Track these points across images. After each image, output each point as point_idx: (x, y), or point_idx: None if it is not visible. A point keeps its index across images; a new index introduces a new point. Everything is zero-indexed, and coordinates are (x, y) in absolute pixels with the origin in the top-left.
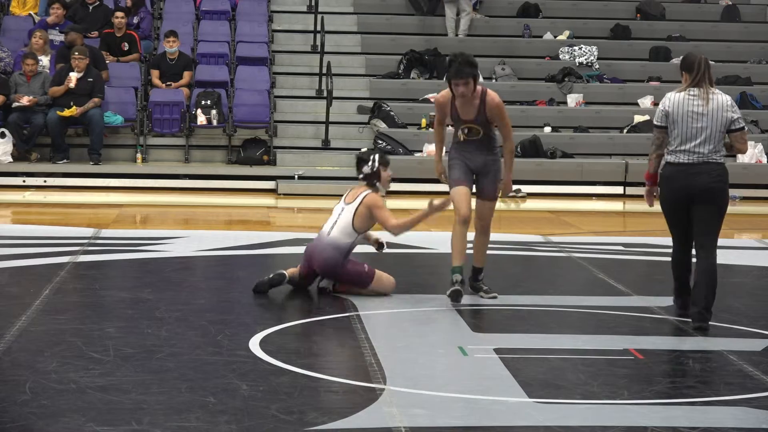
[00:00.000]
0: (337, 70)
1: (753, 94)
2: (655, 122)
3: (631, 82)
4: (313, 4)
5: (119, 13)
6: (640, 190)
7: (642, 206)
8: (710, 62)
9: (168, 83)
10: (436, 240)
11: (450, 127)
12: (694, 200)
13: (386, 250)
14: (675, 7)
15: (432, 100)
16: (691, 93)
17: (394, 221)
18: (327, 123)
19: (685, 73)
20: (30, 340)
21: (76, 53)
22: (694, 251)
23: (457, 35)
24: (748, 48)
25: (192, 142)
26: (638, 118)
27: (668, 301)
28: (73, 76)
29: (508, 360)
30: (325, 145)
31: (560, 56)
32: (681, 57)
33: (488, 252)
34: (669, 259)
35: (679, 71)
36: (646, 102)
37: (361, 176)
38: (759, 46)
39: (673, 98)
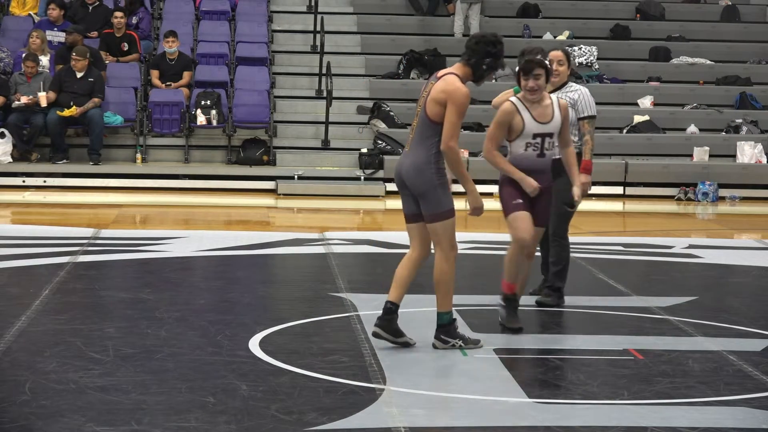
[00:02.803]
0: (336, 70)
1: (753, 94)
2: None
3: (630, 83)
4: (313, 4)
5: (119, 13)
6: (640, 191)
7: (642, 206)
8: (710, 62)
9: (168, 83)
10: None
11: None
12: None
13: (383, 251)
14: (675, 7)
15: None
16: None
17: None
18: (327, 123)
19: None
20: (30, 341)
21: (74, 54)
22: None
23: (468, 35)
24: (748, 48)
25: (192, 142)
26: (638, 119)
27: (668, 301)
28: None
29: (508, 360)
30: (325, 146)
31: None
32: (550, 51)
33: (490, 252)
34: (668, 259)
35: (565, 61)
36: (645, 102)
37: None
38: (759, 46)
39: None
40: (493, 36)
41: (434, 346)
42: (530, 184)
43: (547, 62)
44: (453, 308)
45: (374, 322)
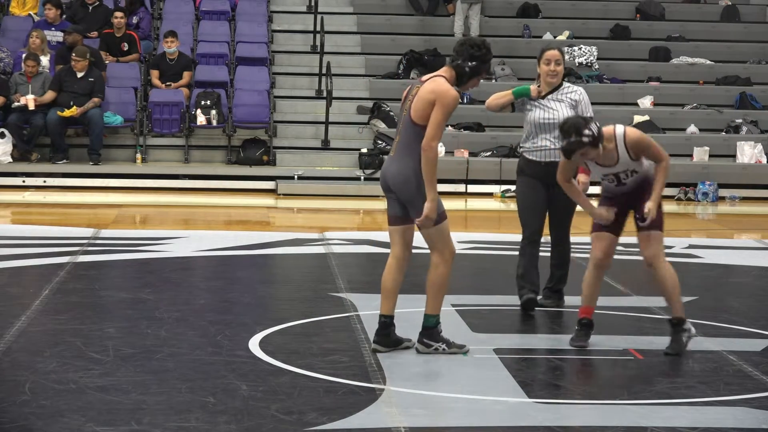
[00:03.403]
0: (336, 71)
1: (753, 94)
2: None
3: (630, 83)
4: (312, 4)
5: (119, 13)
6: None
7: None
8: (710, 62)
9: (168, 83)
10: None
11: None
12: None
13: (383, 250)
14: (675, 7)
15: None
16: None
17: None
18: (327, 123)
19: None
20: (30, 341)
21: (74, 54)
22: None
23: (468, 36)
24: (748, 48)
25: (192, 143)
26: (638, 119)
27: None
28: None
29: (508, 360)
30: (325, 146)
31: None
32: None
33: (490, 252)
34: (668, 259)
35: (562, 60)
36: (645, 102)
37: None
38: (759, 46)
39: None
40: (480, 40)
41: (417, 350)
42: (600, 215)
43: (583, 138)
44: (457, 309)
45: (372, 338)
